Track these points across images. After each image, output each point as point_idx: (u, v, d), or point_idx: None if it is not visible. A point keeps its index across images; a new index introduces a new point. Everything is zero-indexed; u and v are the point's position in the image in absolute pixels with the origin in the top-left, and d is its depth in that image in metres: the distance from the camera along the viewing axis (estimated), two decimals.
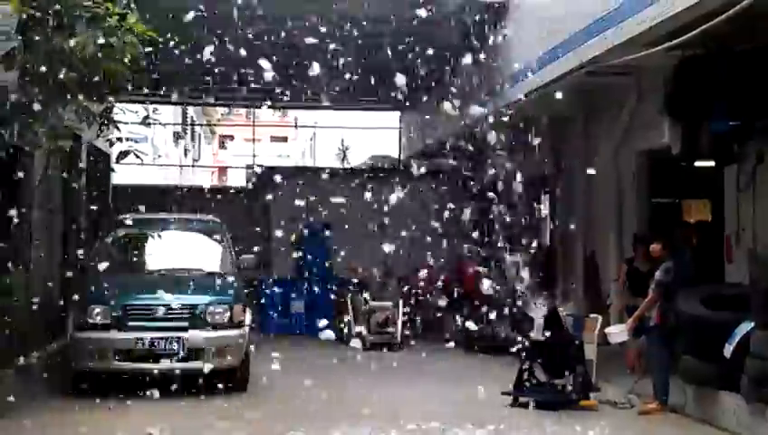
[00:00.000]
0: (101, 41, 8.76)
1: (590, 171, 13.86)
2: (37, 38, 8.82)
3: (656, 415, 9.77)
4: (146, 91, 16.37)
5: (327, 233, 19.13)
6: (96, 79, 9.08)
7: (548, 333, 10.55)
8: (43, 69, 8.69)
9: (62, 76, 8.82)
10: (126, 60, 9.07)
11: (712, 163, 11.80)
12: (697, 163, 12.47)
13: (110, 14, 8.95)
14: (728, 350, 8.88)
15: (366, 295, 16.99)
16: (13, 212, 10.67)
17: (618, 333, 10.58)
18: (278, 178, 20.21)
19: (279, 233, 19.20)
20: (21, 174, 11.41)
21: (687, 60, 9.67)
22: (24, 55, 8.90)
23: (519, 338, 11.10)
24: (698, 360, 9.40)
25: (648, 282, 10.26)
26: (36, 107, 8.90)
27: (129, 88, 9.91)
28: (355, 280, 17.84)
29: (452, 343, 13.63)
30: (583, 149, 14.57)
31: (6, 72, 9.26)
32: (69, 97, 9.28)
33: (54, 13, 8.77)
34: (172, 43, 11.48)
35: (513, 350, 10.93)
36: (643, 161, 13.02)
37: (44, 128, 9.19)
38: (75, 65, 8.78)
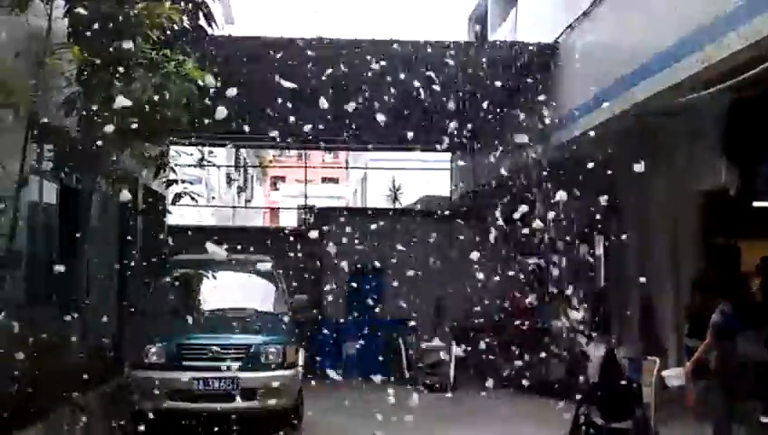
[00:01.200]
0: (158, 84, 8.94)
1: (641, 210, 13.71)
2: (96, 84, 9.03)
3: None
4: (201, 134, 16.65)
5: (379, 274, 19.14)
6: (153, 123, 9.25)
7: (605, 376, 10.39)
8: (103, 114, 8.87)
9: (119, 121, 9.01)
10: (183, 104, 9.24)
11: None
12: (756, 203, 12.27)
13: (167, 60, 9.13)
14: None
15: (417, 338, 16.94)
16: (70, 253, 10.85)
17: (675, 376, 10.39)
18: (329, 218, 20.33)
19: (331, 274, 19.28)
20: (78, 216, 11.65)
21: (741, 100, 9.58)
22: (84, 101, 9.11)
23: (575, 380, 10.95)
24: (760, 403, 9.19)
25: (708, 324, 10.09)
26: (95, 151, 9.08)
27: (186, 132, 10.08)
28: (408, 322, 17.80)
29: (506, 386, 13.49)
30: (637, 191, 14.43)
31: (66, 118, 9.49)
32: (127, 142, 9.46)
33: (113, 59, 8.97)
34: (227, 87, 11.68)
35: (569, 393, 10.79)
36: (699, 202, 12.85)
37: (103, 172, 9.37)
38: (133, 110, 8.96)
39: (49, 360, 9.37)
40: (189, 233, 19.68)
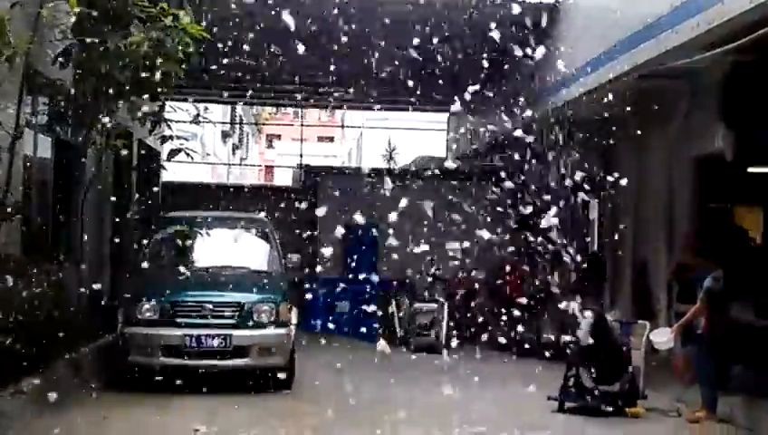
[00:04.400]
0: (155, 38, 8.88)
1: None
2: (92, 37, 8.96)
3: (704, 424, 9.64)
4: (197, 89, 16.55)
5: (373, 233, 19.16)
6: (149, 78, 9.20)
7: (595, 339, 10.45)
8: (98, 67, 8.82)
9: (116, 75, 8.96)
10: (179, 59, 9.17)
11: (765, 169, 11.62)
12: (751, 169, 12.28)
13: (165, 13, 9.05)
14: None
15: (410, 298, 16.98)
16: (65, 208, 10.82)
17: (663, 339, 10.44)
18: (325, 178, 20.31)
19: (325, 233, 19.29)
20: (73, 170, 11.62)
21: (741, 65, 9.54)
22: (80, 54, 9.04)
23: (565, 342, 11.01)
24: (749, 369, 9.27)
25: (698, 288, 10.14)
26: (91, 104, 9.04)
27: (181, 86, 10.02)
28: (401, 282, 17.84)
29: (498, 347, 13.53)
30: (634, 153, 14.43)
31: (62, 70, 9.43)
32: (122, 95, 9.41)
33: (110, 12, 8.90)
34: (223, 42, 11.61)
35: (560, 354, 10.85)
36: (695, 166, 12.86)
37: (98, 125, 9.33)
38: (129, 64, 8.91)
39: (43, 313, 9.41)
40: (184, 189, 19.72)
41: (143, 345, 10.75)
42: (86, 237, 12.58)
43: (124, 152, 11.81)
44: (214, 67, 14.71)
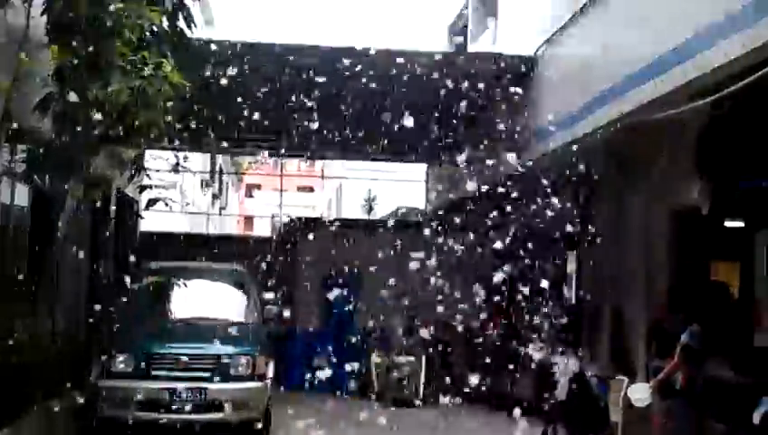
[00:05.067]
0: (136, 86, 8.86)
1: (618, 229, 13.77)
2: (72, 85, 8.93)
3: None
4: (176, 138, 16.51)
5: (351, 284, 19.08)
6: (130, 127, 9.17)
7: (573, 394, 10.39)
8: (78, 116, 8.78)
9: (96, 123, 8.92)
10: (159, 108, 9.15)
11: (742, 224, 11.68)
12: (727, 223, 12.34)
13: (146, 62, 9.05)
14: (756, 417, 8.70)
15: (387, 351, 16.89)
16: (41, 257, 10.71)
17: (641, 395, 10.39)
18: (304, 228, 20.24)
19: (303, 284, 19.22)
20: (50, 218, 11.50)
21: (717, 118, 9.63)
22: (60, 102, 9.01)
23: (544, 397, 10.96)
24: (727, 425, 9.22)
25: (675, 344, 10.11)
26: (70, 153, 8.98)
27: (163, 136, 9.99)
28: (376, 333, 17.75)
29: (476, 401, 13.47)
30: (612, 206, 14.48)
31: (42, 119, 9.38)
32: (102, 144, 9.37)
33: (91, 60, 8.89)
34: (204, 92, 11.60)
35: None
36: (672, 219, 12.91)
37: (77, 174, 9.26)
38: (110, 113, 8.88)
39: (16, 362, 9.25)
40: (162, 239, 19.61)
41: (117, 399, 10.62)
42: (61, 288, 12.44)
43: (102, 201, 11.74)
44: (194, 116, 14.74)
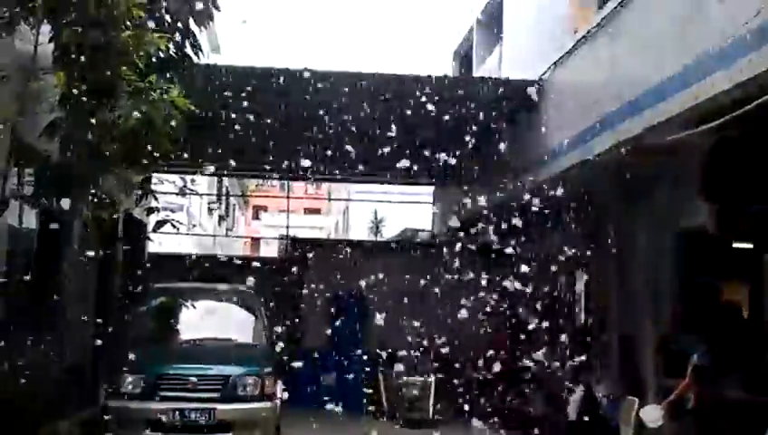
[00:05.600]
0: (142, 112, 8.91)
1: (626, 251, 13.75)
2: (80, 110, 8.99)
3: None
4: (183, 162, 16.55)
5: (359, 305, 19.07)
6: (136, 150, 9.21)
7: (584, 415, 10.36)
8: (86, 139, 8.83)
9: (103, 147, 8.96)
10: (167, 132, 9.20)
11: (750, 245, 11.66)
12: (736, 245, 12.32)
13: (153, 87, 9.10)
14: None
15: (398, 370, 16.85)
16: (49, 279, 10.73)
17: (653, 416, 10.34)
18: (311, 250, 20.28)
19: (311, 305, 19.23)
20: (58, 241, 11.55)
21: (725, 140, 9.63)
22: (67, 127, 9.06)
23: (556, 418, 10.91)
24: None
25: (685, 363, 10.07)
26: (77, 177, 9.03)
27: (169, 159, 10.03)
28: (385, 354, 17.71)
29: (486, 422, 13.39)
30: (620, 226, 14.47)
31: (49, 143, 9.44)
32: (110, 168, 9.41)
33: (98, 85, 8.94)
34: (210, 116, 11.66)
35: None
36: (681, 241, 12.89)
37: (84, 198, 9.30)
38: (117, 137, 8.92)
39: (25, 385, 9.26)
40: (170, 261, 19.63)
41: (126, 419, 10.61)
42: (70, 309, 12.47)
43: (109, 224, 11.77)
44: (201, 140, 14.80)
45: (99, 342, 13.48)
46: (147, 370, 10.86)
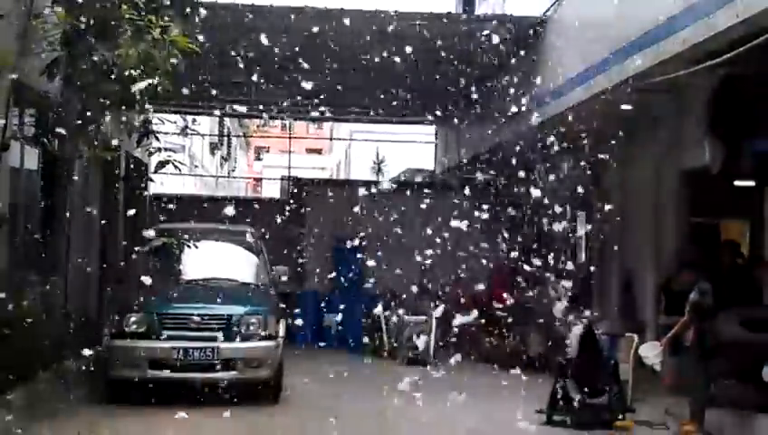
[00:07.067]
0: (143, 51, 8.85)
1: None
2: (80, 49, 8.93)
3: None
4: (184, 101, 16.50)
5: (361, 245, 19.09)
6: (137, 90, 9.16)
7: (583, 352, 10.45)
8: (86, 79, 8.79)
9: (103, 87, 8.93)
10: (167, 71, 9.14)
11: (752, 183, 11.66)
12: (737, 183, 12.32)
13: (153, 26, 9.02)
14: (766, 373, 8.75)
15: (398, 310, 16.96)
16: (51, 220, 10.75)
17: (652, 353, 10.45)
18: (312, 189, 20.28)
19: (312, 245, 19.28)
20: (60, 182, 11.55)
21: (730, 78, 9.57)
22: (68, 66, 9.01)
23: (553, 355, 11.02)
24: (736, 382, 9.27)
25: (684, 301, 10.14)
26: (78, 117, 9.01)
27: (169, 99, 9.99)
28: (386, 293, 17.81)
29: (486, 359, 13.54)
30: (622, 167, 14.46)
31: (50, 82, 9.40)
32: (110, 108, 9.38)
33: (98, 24, 8.87)
34: (211, 55, 11.56)
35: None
36: (682, 179, 12.89)
37: (86, 138, 9.28)
38: (117, 77, 8.87)
39: (30, 325, 9.35)
40: (172, 201, 19.65)
41: (129, 358, 10.67)
42: (73, 250, 12.52)
43: (111, 164, 11.78)
44: (202, 79, 14.73)
45: (102, 281, 13.60)
46: (149, 309, 10.89)
